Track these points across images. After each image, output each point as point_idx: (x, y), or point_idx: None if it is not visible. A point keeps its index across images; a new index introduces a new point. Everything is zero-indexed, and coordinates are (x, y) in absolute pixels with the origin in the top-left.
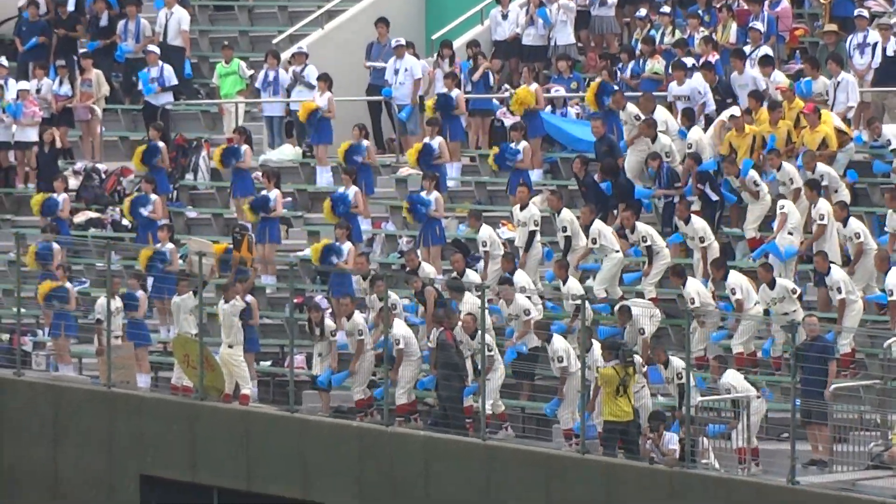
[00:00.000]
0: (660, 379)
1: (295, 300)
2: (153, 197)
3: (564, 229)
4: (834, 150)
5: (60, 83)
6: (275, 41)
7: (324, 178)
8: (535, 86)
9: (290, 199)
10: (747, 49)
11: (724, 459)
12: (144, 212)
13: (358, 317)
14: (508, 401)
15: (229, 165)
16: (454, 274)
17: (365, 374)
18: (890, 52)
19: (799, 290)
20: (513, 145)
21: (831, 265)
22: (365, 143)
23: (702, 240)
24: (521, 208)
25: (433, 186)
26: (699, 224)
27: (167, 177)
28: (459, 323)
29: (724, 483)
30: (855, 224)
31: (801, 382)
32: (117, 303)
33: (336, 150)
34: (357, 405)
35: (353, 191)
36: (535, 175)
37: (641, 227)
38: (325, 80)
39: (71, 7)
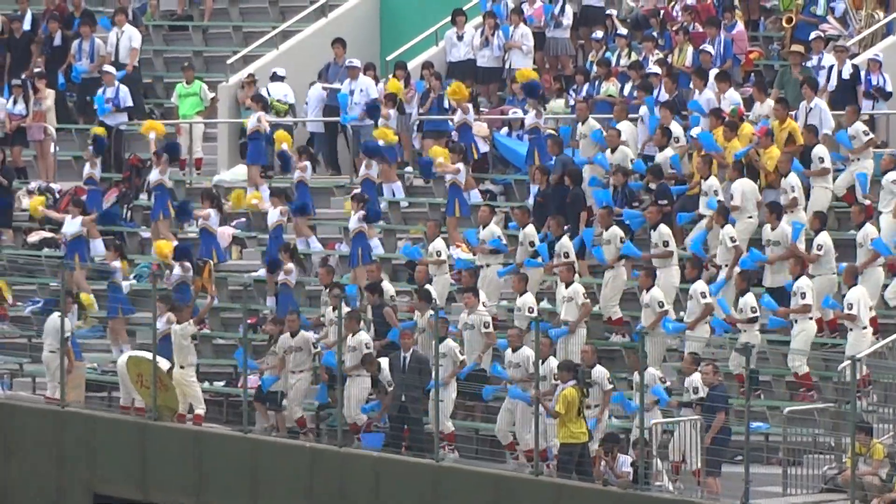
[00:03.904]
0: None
1: (248, 320)
2: (79, 220)
3: (532, 244)
4: (802, 143)
5: (15, 102)
6: (229, 61)
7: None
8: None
9: (243, 219)
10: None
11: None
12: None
13: (307, 333)
14: (460, 422)
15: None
16: (415, 286)
17: (301, 392)
18: (845, 75)
19: (758, 314)
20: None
21: (802, 272)
22: (305, 163)
23: (665, 244)
24: (483, 227)
25: (360, 207)
26: (666, 230)
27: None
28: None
29: None
30: (818, 237)
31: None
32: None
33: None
34: (298, 424)
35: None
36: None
37: (615, 229)
38: (258, 100)
39: (26, 26)
